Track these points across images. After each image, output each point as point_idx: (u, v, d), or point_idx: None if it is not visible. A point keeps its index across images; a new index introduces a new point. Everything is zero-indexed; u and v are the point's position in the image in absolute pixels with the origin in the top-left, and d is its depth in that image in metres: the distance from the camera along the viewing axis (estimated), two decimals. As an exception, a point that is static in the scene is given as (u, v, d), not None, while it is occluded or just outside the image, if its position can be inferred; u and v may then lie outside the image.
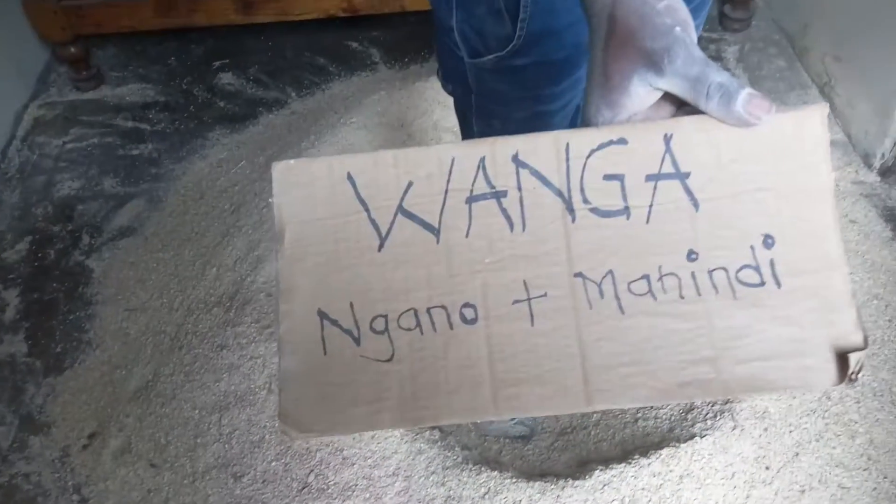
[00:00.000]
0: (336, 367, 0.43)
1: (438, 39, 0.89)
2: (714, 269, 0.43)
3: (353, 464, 1.24)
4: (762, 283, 0.42)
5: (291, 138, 1.90)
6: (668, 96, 0.43)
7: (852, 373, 0.41)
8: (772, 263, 0.43)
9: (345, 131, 1.84)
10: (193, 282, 1.60)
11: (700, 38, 2.14)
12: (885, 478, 1.27)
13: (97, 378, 1.50)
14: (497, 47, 0.79)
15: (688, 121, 0.43)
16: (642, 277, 0.43)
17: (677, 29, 0.41)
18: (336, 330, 0.44)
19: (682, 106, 0.43)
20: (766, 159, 0.43)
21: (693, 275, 0.43)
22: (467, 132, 0.99)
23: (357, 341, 0.44)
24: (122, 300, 1.63)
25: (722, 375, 0.42)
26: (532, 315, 0.43)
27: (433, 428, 1.31)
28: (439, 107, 1.94)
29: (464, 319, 0.43)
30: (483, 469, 1.22)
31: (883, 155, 1.76)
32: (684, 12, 0.42)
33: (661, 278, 0.43)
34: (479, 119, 0.93)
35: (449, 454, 1.25)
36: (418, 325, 0.44)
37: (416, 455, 1.25)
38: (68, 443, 1.40)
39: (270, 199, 0.45)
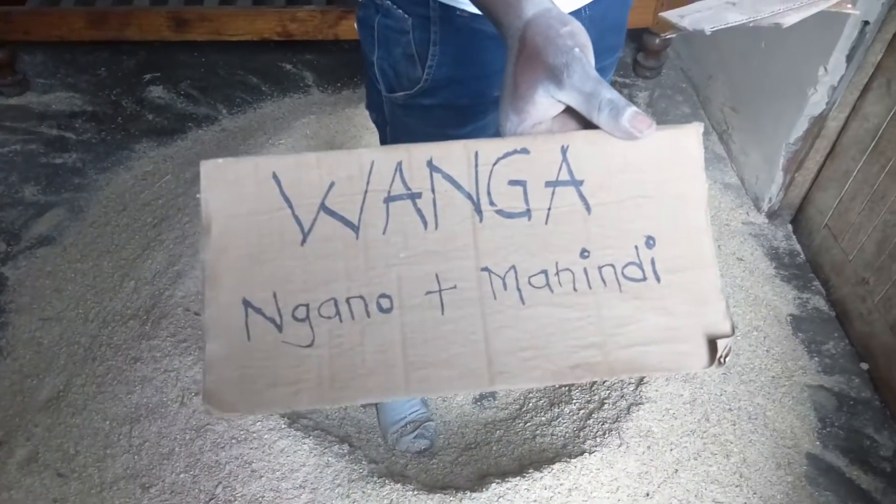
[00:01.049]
0: (258, 352, 0.47)
1: (364, 71, 0.97)
2: (603, 266, 0.48)
3: (261, 476, 1.28)
4: (644, 279, 0.48)
5: (219, 155, 1.93)
6: (571, 113, 0.49)
7: (721, 356, 0.47)
8: (653, 261, 0.49)
9: (273, 152, 1.89)
10: (111, 294, 1.61)
11: (614, 83, 2.29)
12: (755, 494, 1.40)
13: (6, 387, 1.49)
14: (408, 86, 0.87)
15: (582, 134, 0.49)
16: (541, 272, 0.48)
17: (576, 50, 0.47)
18: (259, 317, 0.47)
19: (586, 126, 0.49)
20: (649, 170, 0.49)
21: (585, 270, 0.48)
22: None
23: (279, 328, 0.47)
24: (37, 309, 1.62)
25: (608, 358, 0.47)
26: (443, 305, 0.48)
27: (342, 442, 1.37)
28: (368, 133, 2.01)
29: (380, 308, 0.48)
30: (387, 482, 1.29)
31: (770, 199, 1.93)
32: (584, 37, 0.49)
33: (557, 273, 0.48)
34: None
35: (356, 467, 1.31)
36: (338, 313, 0.47)
37: (324, 468, 1.30)
38: (-28, 452, 1.39)
39: (198, 195, 0.48)
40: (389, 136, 1.00)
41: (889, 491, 1.43)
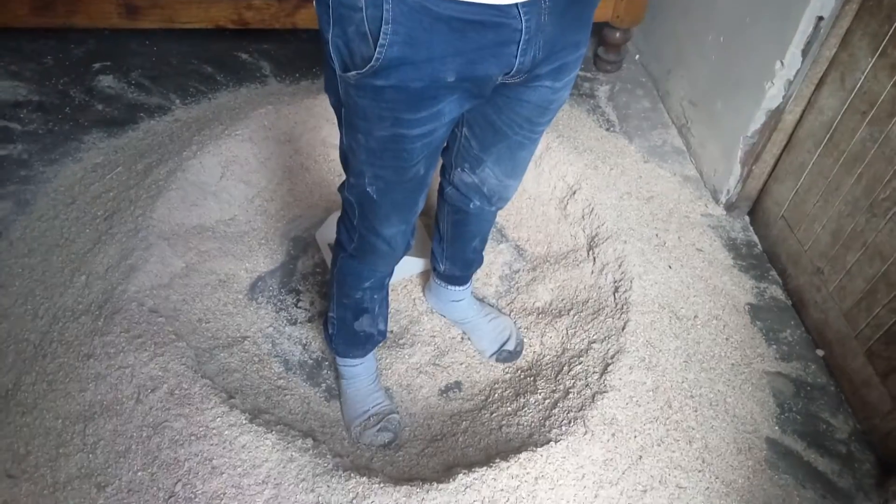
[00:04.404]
0: None
1: (321, 50, 0.96)
2: None
3: (223, 473, 1.24)
4: None
5: (173, 146, 1.88)
6: None
7: None
8: None
9: (230, 143, 1.84)
10: (61, 289, 1.55)
11: (576, 77, 2.30)
12: (717, 478, 1.42)
13: (-52, 387, 1.42)
14: (360, 64, 0.86)
15: None
16: None
17: None
18: None
19: None
20: None
21: None
22: (340, 143, 1.05)
23: None
24: (-19, 306, 1.55)
25: None
26: None
27: (306, 436, 1.34)
28: (328, 124, 1.98)
29: None
30: (353, 475, 1.26)
31: (728, 191, 1.96)
32: None
33: None
34: (346, 131, 0.99)
35: (320, 462, 1.28)
36: None
37: (287, 463, 1.27)
38: (-88, 455, 1.32)
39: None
40: (344, 118, 0.98)
41: (844, 472, 1.47)
